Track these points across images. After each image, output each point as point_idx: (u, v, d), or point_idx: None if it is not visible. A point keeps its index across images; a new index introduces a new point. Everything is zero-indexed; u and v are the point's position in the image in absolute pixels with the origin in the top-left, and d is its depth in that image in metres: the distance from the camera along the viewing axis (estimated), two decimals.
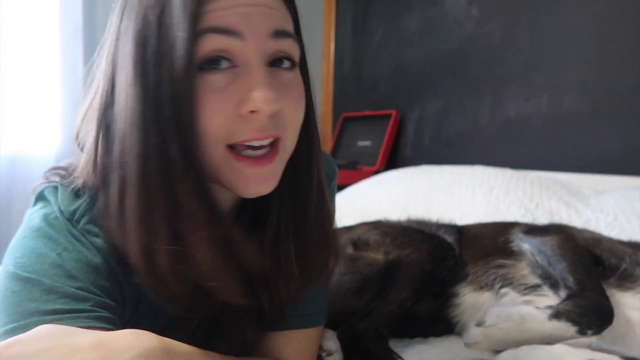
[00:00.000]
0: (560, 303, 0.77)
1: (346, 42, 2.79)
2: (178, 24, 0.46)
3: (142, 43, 0.48)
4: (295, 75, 0.52)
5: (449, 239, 1.02)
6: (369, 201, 1.76)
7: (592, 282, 0.79)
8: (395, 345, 0.87)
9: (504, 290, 0.90)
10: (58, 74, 1.91)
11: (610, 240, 0.92)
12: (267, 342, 0.62)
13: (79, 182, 0.53)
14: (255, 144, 0.49)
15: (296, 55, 0.51)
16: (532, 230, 0.96)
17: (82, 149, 0.55)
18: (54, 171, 0.57)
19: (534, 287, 0.88)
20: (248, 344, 0.60)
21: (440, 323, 0.93)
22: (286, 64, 0.51)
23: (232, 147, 0.49)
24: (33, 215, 0.53)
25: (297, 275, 0.57)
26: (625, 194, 1.32)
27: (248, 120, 0.48)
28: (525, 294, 0.88)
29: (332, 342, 0.76)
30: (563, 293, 0.80)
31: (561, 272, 0.82)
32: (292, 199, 0.56)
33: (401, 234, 0.97)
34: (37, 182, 0.56)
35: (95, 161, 0.52)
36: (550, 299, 0.85)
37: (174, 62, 0.46)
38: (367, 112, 2.57)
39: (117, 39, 0.51)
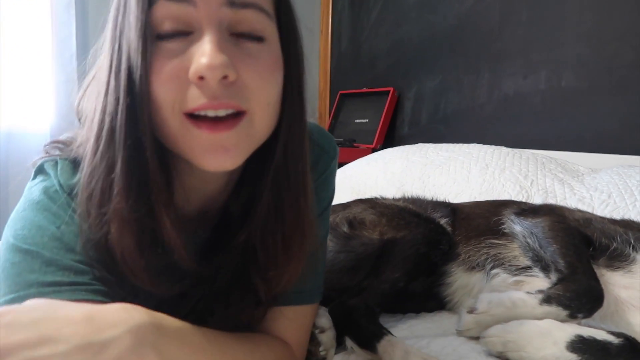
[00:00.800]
0: (551, 287, 0.78)
1: (344, 18, 2.75)
2: None
3: (115, 15, 0.49)
4: (265, 48, 0.50)
5: (443, 219, 1.02)
6: (365, 178, 1.76)
7: (582, 265, 0.79)
8: (387, 320, 0.89)
9: (494, 271, 0.90)
10: (50, 49, 1.89)
11: (601, 220, 0.92)
12: (259, 323, 0.63)
13: (79, 156, 0.53)
14: (210, 113, 0.47)
15: (264, 28, 0.50)
16: (524, 211, 0.96)
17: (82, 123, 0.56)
18: (54, 145, 0.57)
19: (525, 269, 0.88)
20: (244, 323, 0.60)
21: (432, 300, 0.95)
22: (253, 35, 0.49)
23: (191, 116, 0.48)
24: (33, 189, 0.54)
25: (283, 262, 0.56)
26: (620, 172, 1.32)
27: (199, 87, 0.46)
28: (515, 275, 0.88)
29: (324, 319, 0.76)
30: (554, 276, 0.80)
31: (552, 255, 0.82)
32: (277, 186, 0.55)
33: (397, 215, 0.97)
34: (37, 156, 0.56)
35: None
36: (540, 279, 0.85)
37: (130, 31, 0.46)
38: (365, 90, 2.56)
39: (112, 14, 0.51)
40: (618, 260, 0.83)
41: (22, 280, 0.48)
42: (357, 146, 2.38)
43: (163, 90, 0.47)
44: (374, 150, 2.28)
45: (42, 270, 0.48)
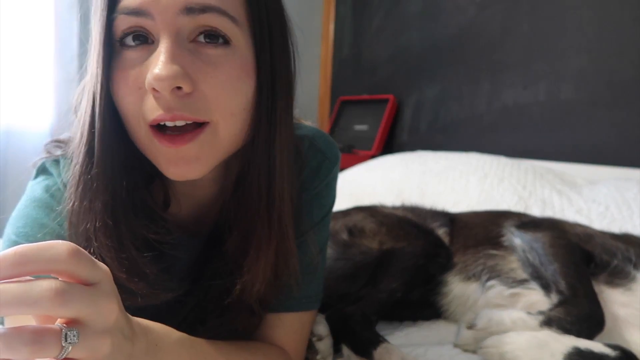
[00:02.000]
0: (552, 309, 0.77)
1: (345, 25, 2.77)
2: (97, 5, 0.47)
3: (94, 23, 0.49)
4: (229, 53, 0.48)
5: (442, 228, 1.02)
6: (363, 185, 1.76)
7: (584, 287, 0.78)
8: (384, 327, 0.89)
9: (490, 282, 0.90)
10: (52, 48, 1.89)
11: (602, 236, 0.91)
12: (259, 330, 0.62)
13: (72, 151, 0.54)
14: (169, 124, 0.47)
15: (228, 31, 0.48)
16: (525, 224, 0.95)
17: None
18: (55, 144, 0.57)
19: (522, 282, 0.88)
20: (239, 331, 0.60)
21: (429, 308, 0.95)
22: (215, 40, 0.48)
23: (156, 127, 0.48)
24: (35, 187, 0.54)
25: (268, 269, 0.56)
26: (618, 185, 1.32)
27: (155, 98, 0.46)
28: (512, 287, 0.88)
29: (322, 327, 0.76)
30: (555, 297, 0.79)
31: (553, 274, 0.81)
32: (239, 195, 0.55)
33: (397, 225, 0.97)
34: (38, 156, 0.57)
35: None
36: (537, 292, 0.85)
37: (95, 39, 0.47)
38: (365, 96, 2.56)
39: None
40: (618, 277, 0.83)
41: None
42: (356, 153, 2.38)
43: (126, 100, 0.47)
44: (373, 157, 2.28)
45: None
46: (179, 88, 0.45)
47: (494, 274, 0.91)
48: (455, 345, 0.79)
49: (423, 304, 0.95)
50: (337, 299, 0.90)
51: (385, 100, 2.41)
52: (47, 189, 0.53)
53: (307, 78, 2.82)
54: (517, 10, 1.86)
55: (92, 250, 0.48)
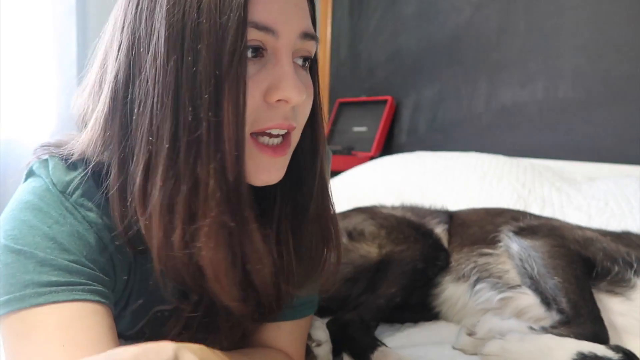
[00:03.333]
0: (555, 327, 0.76)
1: (343, 26, 2.77)
2: (226, 11, 0.45)
3: (178, 24, 0.46)
4: (308, 73, 0.55)
5: (441, 225, 1.02)
6: (363, 187, 1.77)
7: (586, 305, 0.76)
8: (386, 329, 0.89)
9: (479, 285, 0.89)
10: (52, 57, 1.89)
11: (603, 239, 0.88)
12: (258, 333, 0.63)
13: (74, 156, 0.53)
14: (274, 132, 0.51)
15: (312, 55, 0.55)
16: (522, 230, 0.93)
17: (85, 125, 0.54)
18: (43, 148, 0.56)
19: (512, 286, 0.86)
20: (244, 336, 0.60)
21: (428, 310, 0.95)
22: (305, 62, 0.54)
23: (252, 135, 0.50)
24: (23, 190, 0.53)
25: (296, 269, 0.57)
26: (617, 181, 1.33)
27: (274, 108, 0.50)
28: (502, 292, 0.87)
29: (321, 332, 0.76)
30: (556, 316, 0.78)
31: (553, 290, 0.79)
32: (293, 194, 0.57)
33: (397, 228, 0.97)
34: (29, 160, 0.56)
35: (104, 137, 0.51)
36: (527, 296, 0.84)
37: (220, 46, 0.46)
38: (363, 98, 2.57)
39: (137, 13, 0.49)
40: (619, 285, 0.81)
41: (17, 281, 0.47)
42: (355, 154, 2.39)
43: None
44: (372, 158, 2.28)
45: (36, 271, 0.47)
46: None
47: (484, 273, 0.90)
48: (454, 347, 0.79)
49: (422, 306, 0.95)
50: (338, 303, 0.90)
51: (384, 102, 2.41)
52: (35, 191, 0.52)
53: None
54: (513, 10, 1.87)
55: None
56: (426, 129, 2.26)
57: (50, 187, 0.51)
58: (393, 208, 1.12)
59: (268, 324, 0.62)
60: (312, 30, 0.53)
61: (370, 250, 0.94)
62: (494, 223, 0.98)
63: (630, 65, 1.52)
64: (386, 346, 0.76)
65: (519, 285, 0.86)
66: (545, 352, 0.68)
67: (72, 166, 0.53)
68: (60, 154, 0.54)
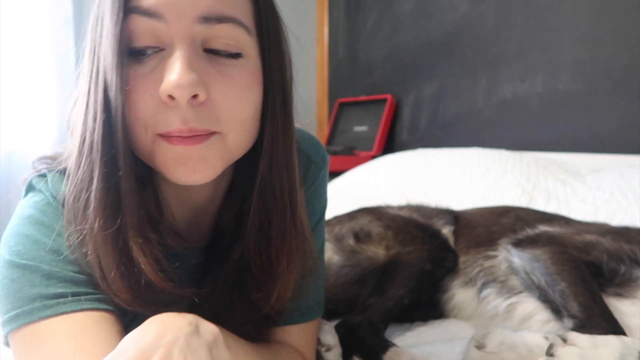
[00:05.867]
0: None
1: (340, 26, 2.77)
2: (108, 6, 0.45)
3: (92, 27, 0.48)
4: (241, 64, 0.48)
5: (447, 226, 1.02)
6: (366, 186, 1.76)
7: (597, 306, 0.74)
8: (396, 329, 0.89)
9: (486, 291, 0.88)
10: (51, 67, 1.89)
11: (604, 239, 0.86)
12: (266, 337, 0.62)
13: (69, 167, 0.53)
14: (184, 135, 0.46)
15: (241, 43, 0.48)
16: (521, 242, 0.91)
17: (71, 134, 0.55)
18: (41, 160, 0.57)
19: (518, 291, 0.85)
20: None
21: (437, 309, 0.94)
22: (229, 50, 0.48)
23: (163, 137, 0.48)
24: (24, 205, 0.53)
25: (270, 282, 0.55)
26: (622, 172, 1.32)
27: (170, 108, 0.45)
28: (507, 298, 0.85)
29: (330, 336, 0.76)
30: (569, 322, 0.75)
31: (561, 296, 0.77)
32: (263, 202, 0.54)
33: (403, 229, 0.96)
34: (27, 174, 0.56)
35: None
36: (533, 300, 0.82)
37: (105, 45, 0.45)
38: (363, 97, 2.57)
39: (91, 24, 0.50)
40: (627, 286, 0.79)
41: (24, 296, 0.47)
42: (357, 154, 2.38)
43: (136, 109, 0.46)
44: (374, 157, 2.28)
45: (43, 284, 0.47)
46: (195, 96, 0.45)
47: (490, 277, 0.89)
48: None
49: (431, 305, 0.95)
50: (345, 306, 0.90)
51: (384, 100, 2.41)
52: (36, 205, 0.52)
53: (304, 82, 2.82)
54: (511, 4, 1.87)
55: (98, 276, 0.48)
56: (427, 126, 2.26)
57: (51, 200, 0.52)
58: (399, 208, 1.11)
59: (275, 328, 0.62)
60: (223, 12, 0.46)
61: (377, 251, 0.93)
62: (499, 224, 0.97)
63: (630, 54, 1.51)
64: (397, 346, 0.75)
65: (522, 291, 0.85)
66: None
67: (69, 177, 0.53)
68: (57, 166, 0.54)
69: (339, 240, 0.95)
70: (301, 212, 0.56)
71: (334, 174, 2.04)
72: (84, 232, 0.47)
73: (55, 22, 1.90)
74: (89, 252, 0.48)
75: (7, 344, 0.50)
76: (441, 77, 2.17)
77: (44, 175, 0.54)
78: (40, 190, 0.53)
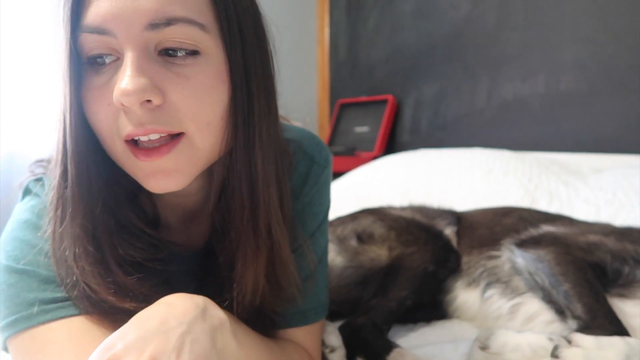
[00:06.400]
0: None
1: (341, 27, 2.77)
2: (60, 24, 0.46)
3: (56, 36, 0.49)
4: (200, 62, 0.47)
5: (450, 227, 1.01)
6: (368, 187, 1.76)
7: (602, 307, 0.74)
8: (399, 329, 0.89)
9: (489, 292, 0.88)
10: (53, 69, 1.89)
11: (607, 240, 0.85)
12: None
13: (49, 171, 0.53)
14: (143, 138, 0.46)
15: (197, 41, 0.46)
16: (525, 242, 0.90)
17: None
18: (38, 164, 0.57)
19: (522, 294, 0.85)
20: None
21: (440, 310, 0.94)
22: (182, 52, 0.46)
23: (132, 142, 0.47)
24: (21, 209, 0.54)
25: (260, 280, 0.54)
26: (624, 172, 1.32)
27: (125, 113, 0.45)
28: (511, 299, 0.85)
29: (334, 337, 0.76)
30: (573, 323, 0.74)
31: (565, 297, 0.76)
32: (225, 202, 0.53)
33: (406, 230, 0.96)
34: (24, 177, 0.56)
35: None
36: (537, 300, 0.82)
37: (60, 58, 0.46)
38: (364, 98, 2.56)
39: None
40: (631, 287, 0.79)
41: (22, 300, 0.47)
42: (358, 155, 2.38)
43: (98, 118, 0.46)
44: (375, 158, 2.28)
45: (40, 288, 0.47)
46: (149, 101, 0.44)
47: (493, 278, 0.89)
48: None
49: (434, 306, 0.94)
50: (349, 307, 0.90)
51: (385, 101, 2.41)
52: (33, 210, 0.52)
53: (305, 83, 2.82)
54: (512, 4, 1.86)
55: (74, 278, 0.48)
56: (428, 126, 2.26)
57: (47, 204, 0.51)
58: (402, 209, 1.11)
59: (279, 330, 0.62)
60: (171, 14, 0.44)
61: (380, 252, 0.93)
62: (502, 224, 0.97)
63: (632, 54, 1.51)
64: (400, 347, 0.75)
65: (526, 292, 0.85)
66: None
67: None
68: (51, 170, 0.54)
69: (341, 241, 0.95)
70: (268, 215, 0.53)
71: (336, 174, 2.04)
72: (62, 237, 0.48)
73: (56, 24, 1.90)
74: (67, 255, 0.48)
75: (6, 349, 0.50)
76: (442, 77, 2.17)
77: (40, 179, 0.54)
78: (36, 194, 0.53)
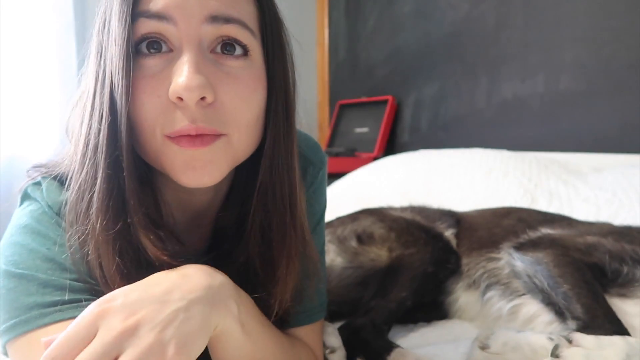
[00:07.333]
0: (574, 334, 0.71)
1: (340, 28, 2.77)
2: (116, 10, 0.46)
3: (98, 30, 0.49)
4: (247, 65, 0.49)
5: (450, 229, 1.01)
6: (368, 188, 1.76)
7: (601, 307, 0.73)
8: (399, 330, 0.89)
9: (489, 293, 0.88)
10: (54, 72, 1.90)
11: (605, 240, 0.85)
12: None
13: (66, 173, 0.53)
14: (192, 132, 0.46)
15: (247, 43, 0.49)
16: (523, 245, 0.90)
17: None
18: (36, 168, 0.57)
19: (521, 295, 0.85)
20: None
21: (440, 311, 0.94)
22: (235, 51, 0.48)
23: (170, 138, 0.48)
24: (20, 214, 0.53)
25: (270, 285, 0.55)
26: (623, 171, 1.32)
27: (181, 108, 0.46)
28: (511, 300, 0.85)
29: (334, 338, 0.76)
30: (572, 324, 0.74)
31: (564, 298, 0.76)
32: (263, 205, 0.54)
33: (406, 231, 0.96)
34: (22, 182, 0.56)
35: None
36: (536, 301, 0.82)
37: (113, 48, 0.46)
38: (364, 99, 2.57)
39: (97, 28, 0.51)
40: (630, 286, 0.79)
41: (20, 305, 0.47)
42: (358, 155, 2.39)
43: (143, 110, 0.46)
44: (375, 158, 2.28)
45: (39, 292, 0.47)
46: (203, 99, 0.46)
47: (493, 279, 0.89)
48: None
49: (434, 306, 0.95)
50: (349, 307, 0.90)
51: (384, 102, 2.41)
52: (32, 214, 0.52)
53: (305, 84, 2.79)
54: (511, 4, 1.87)
55: (98, 275, 0.48)
56: (428, 127, 2.26)
57: (46, 209, 0.52)
58: (402, 210, 1.11)
59: (286, 329, 0.62)
60: (228, 13, 0.47)
61: (380, 253, 0.93)
62: (501, 226, 0.97)
63: (631, 53, 1.51)
64: (401, 347, 0.75)
65: (526, 293, 0.85)
66: None
67: (64, 185, 0.53)
68: (52, 174, 0.54)
69: (341, 241, 0.95)
70: (301, 215, 0.56)
71: (336, 175, 2.04)
72: (86, 232, 0.47)
73: (57, 27, 1.90)
74: (89, 252, 0.48)
75: (5, 353, 0.50)
76: (442, 77, 2.17)
77: (39, 184, 0.54)
78: (35, 199, 0.53)
